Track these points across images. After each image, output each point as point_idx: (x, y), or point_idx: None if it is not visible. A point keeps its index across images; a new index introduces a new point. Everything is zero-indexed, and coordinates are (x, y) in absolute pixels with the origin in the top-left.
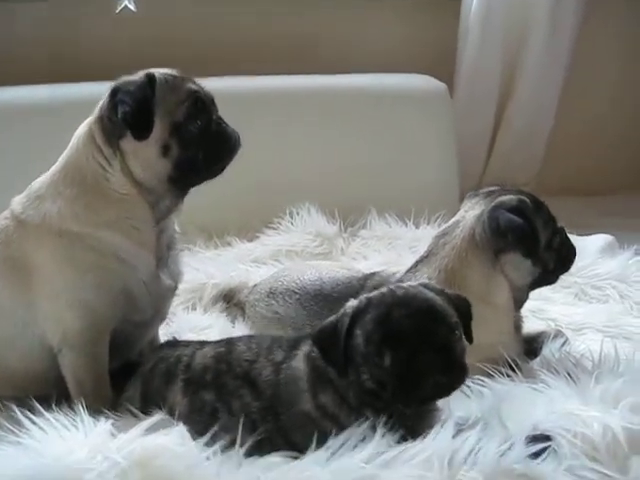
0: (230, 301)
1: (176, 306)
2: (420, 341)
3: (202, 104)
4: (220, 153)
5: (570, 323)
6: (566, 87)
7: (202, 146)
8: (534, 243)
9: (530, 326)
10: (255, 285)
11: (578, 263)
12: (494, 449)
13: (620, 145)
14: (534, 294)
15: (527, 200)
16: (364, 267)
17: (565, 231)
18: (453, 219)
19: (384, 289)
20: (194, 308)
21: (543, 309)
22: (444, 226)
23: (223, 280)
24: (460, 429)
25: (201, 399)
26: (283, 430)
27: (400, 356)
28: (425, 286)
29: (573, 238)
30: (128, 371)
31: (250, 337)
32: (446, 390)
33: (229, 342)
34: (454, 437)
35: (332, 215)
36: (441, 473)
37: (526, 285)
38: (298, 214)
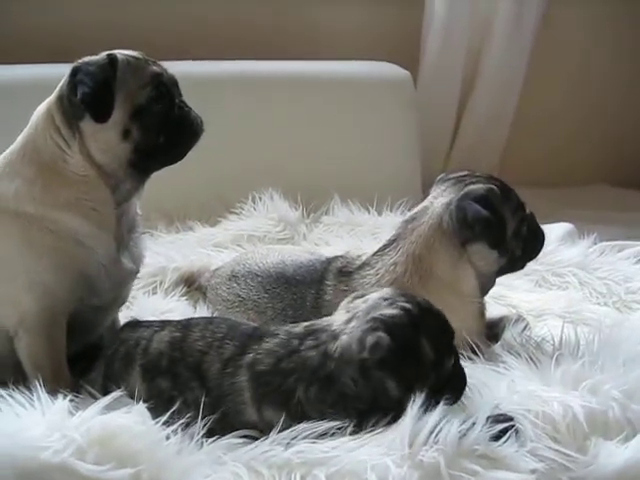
0: (191, 285)
1: (137, 290)
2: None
3: (165, 87)
4: (182, 138)
5: (531, 309)
6: (529, 78)
7: (163, 130)
8: (500, 235)
9: (491, 311)
10: (217, 269)
11: None
12: (455, 430)
13: (580, 137)
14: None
15: (495, 188)
16: (326, 253)
17: (534, 217)
18: (422, 204)
19: (405, 304)
20: (155, 292)
21: (504, 295)
22: (412, 211)
23: (184, 264)
24: (422, 411)
25: (158, 386)
26: (233, 429)
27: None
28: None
29: None
30: (90, 355)
31: (208, 322)
32: None
33: (186, 326)
34: (416, 419)
35: (295, 201)
36: (402, 452)
37: (493, 273)
38: (260, 199)
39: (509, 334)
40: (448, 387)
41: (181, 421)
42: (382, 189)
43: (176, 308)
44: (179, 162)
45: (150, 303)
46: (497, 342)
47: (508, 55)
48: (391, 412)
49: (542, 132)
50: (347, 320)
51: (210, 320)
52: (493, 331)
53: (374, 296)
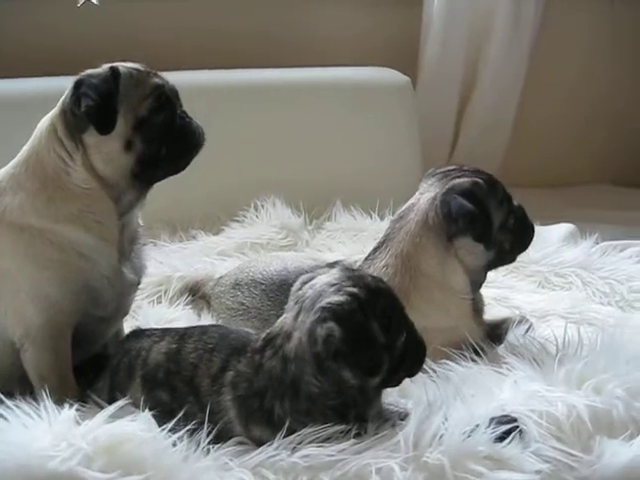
0: (196, 294)
1: (142, 299)
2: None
3: (166, 98)
4: (184, 148)
5: (534, 310)
6: (529, 79)
7: (165, 141)
8: (485, 228)
9: (494, 313)
10: (220, 277)
11: (541, 251)
12: (459, 431)
13: (582, 137)
14: (498, 283)
15: (480, 182)
16: (329, 259)
17: (523, 209)
18: (409, 202)
19: (352, 289)
20: (159, 301)
21: (507, 297)
22: (400, 209)
23: (188, 273)
24: (426, 414)
25: (158, 398)
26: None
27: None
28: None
29: (536, 228)
30: (96, 364)
31: (203, 332)
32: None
33: (182, 337)
34: (420, 421)
35: (297, 208)
36: (407, 454)
37: (481, 267)
38: (263, 207)
39: (512, 336)
40: (406, 362)
41: (187, 427)
42: (384, 194)
43: (181, 317)
44: (181, 172)
45: (155, 312)
46: (500, 343)
47: (507, 60)
48: (360, 402)
49: (544, 133)
50: (295, 315)
51: (205, 330)
52: (496, 332)
53: (321, 280)
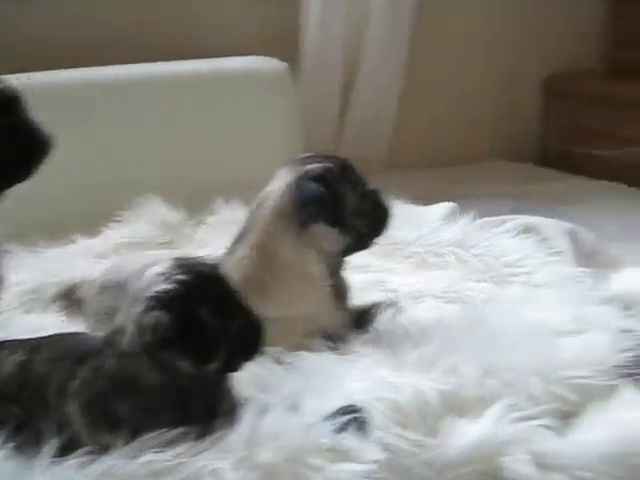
0: (70, 299)
1: (14, 309)
2: None
3: (7, 103)
4: (27, 156)
5: (410, 292)
6: (412, 62)
7: (6, 148)
8: (337, 212)
9: (366, 298)
10: (92, 280)
11: (418, 232)
12: (296, 425)
13: (470, 115)
14: (374, 267)
15: (332, 166)
16: (204, 254)
17: (379, 192)
18: (265, 190)
19: (181, 277)
20: (31, 310)
21: (384, 280)
22: (257, 199)
23: (64, 278)
24: (265, 409)
25: (10, 412)
26: None
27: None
28: None
29: (417, 209)
30: None
31: (54, 341)
32: None
33: (35, 348)
34: (256, 418)
35: (177, 204)
36: (241, 453)
37: (338, 253)
38: (142, 205)
39: (378, 320)
40: (242, 346)
41: (24, 441)
42: (265, 185)
43: (51, 325)
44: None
45: (25, 321)
46: (367, 330)
47: (388, 43)
48: (203, 394)
49: (430, 114)
50: (128, 308)
51: (57, 339)
52: (365, 318)
53: (151, 272)
